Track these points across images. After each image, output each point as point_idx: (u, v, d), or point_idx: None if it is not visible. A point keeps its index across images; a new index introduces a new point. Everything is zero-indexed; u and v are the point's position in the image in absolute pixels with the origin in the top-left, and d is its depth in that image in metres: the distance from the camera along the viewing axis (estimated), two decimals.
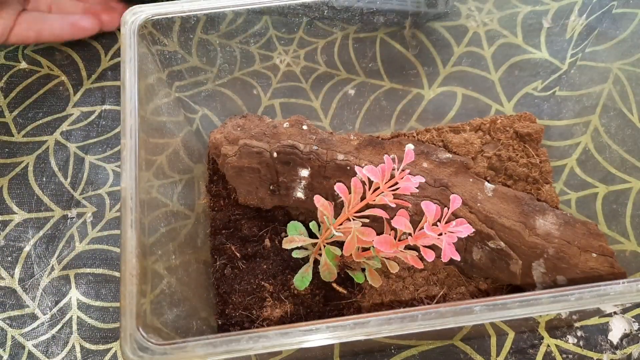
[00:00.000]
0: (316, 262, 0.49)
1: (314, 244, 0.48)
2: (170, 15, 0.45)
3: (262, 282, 0.52)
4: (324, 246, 0.47)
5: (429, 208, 0.40)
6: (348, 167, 0.51)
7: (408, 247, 0.42)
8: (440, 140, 0.59)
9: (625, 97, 0.53)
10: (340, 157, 0.51)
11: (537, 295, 0.34)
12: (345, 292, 0.51)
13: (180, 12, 0.45)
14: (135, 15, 0.44)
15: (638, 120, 0.52)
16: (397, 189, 0.42)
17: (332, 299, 0.52)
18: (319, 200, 0.45)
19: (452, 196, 0.41)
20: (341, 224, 0.44)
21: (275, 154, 0.51)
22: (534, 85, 0.61)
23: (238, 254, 0.53)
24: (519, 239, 0.47)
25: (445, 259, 0.39)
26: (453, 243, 0.39)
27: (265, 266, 0.52)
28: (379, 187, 0.42)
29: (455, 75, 0.61)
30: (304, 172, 0.52)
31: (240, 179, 0.54)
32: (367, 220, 0.43)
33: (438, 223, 0.40)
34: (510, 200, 0.50)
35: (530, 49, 0.60)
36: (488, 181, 0.52)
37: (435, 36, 0.62)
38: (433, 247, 0.40)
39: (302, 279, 0.48)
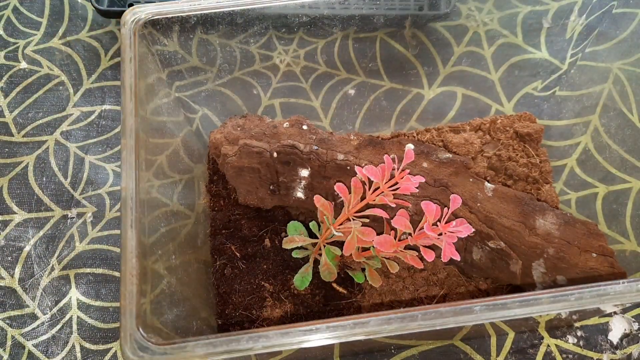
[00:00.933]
0: (316, 262, 0.49)
1: (314, 244, 0.48)
2: (170, 15, 0.45)
3: (262, 282, 0.52)
4: (324, 246, 0.47)
5: (429, 208, 0.40)
6: (348, 167, 0.51)
7: (408, 247, 0.42)
8: (440, 140, 0.59)
9: (625, 97, 0.53)
10: (340, 157, 0.51)
11: (537, 295, 0.34)
12: (345, 292, 0.51)
13: (180, 12, 0.45)
14: (135, 15, 0.44)
15: (638, 120, 0.52)
16: (397, 189, 0.41)
17: (332, 298, 0.52)
18: (319, 200, 0.45)
19: (452, 196, 0.41)
20: (341, 224, 0.44)
21: (275, 154, 0.51)
22: (534, 85, 0.61)
23: (238, 254, 0.53)
24: (519, 239, 0.47)
25: (445, 259, 0.39)
26: (453, 243, 0.39)
27: (265, 266, 0.52)
28: (379, 187, 0.42)
29: (455, 75, 0.61)
30: (304, 172, 0.52)
31: (240, 179, 0.54)
32: (367, 220, 0.43)
33: (438, 223, 0.40)
34: (510, 200, 0.50)
35: (530, 49, 0.60)
36: (488, 181, 0.52)
37: (435, 36, 0.62)
38: (433, 247, 0.40)
39: (302, 279, 0.48)
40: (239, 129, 0.55)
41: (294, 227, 0.49)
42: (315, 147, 0.51)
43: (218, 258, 0.53)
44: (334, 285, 0.51)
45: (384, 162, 0.42)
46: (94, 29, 0.68)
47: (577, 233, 0.47)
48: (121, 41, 0.43)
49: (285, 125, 0.54)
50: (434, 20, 0.62)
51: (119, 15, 0.66)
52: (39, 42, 0.67)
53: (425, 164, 0.52)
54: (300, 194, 0.53)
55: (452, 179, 0.51)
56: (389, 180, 0.42)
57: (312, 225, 0.48)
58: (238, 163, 0.52)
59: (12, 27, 0.68)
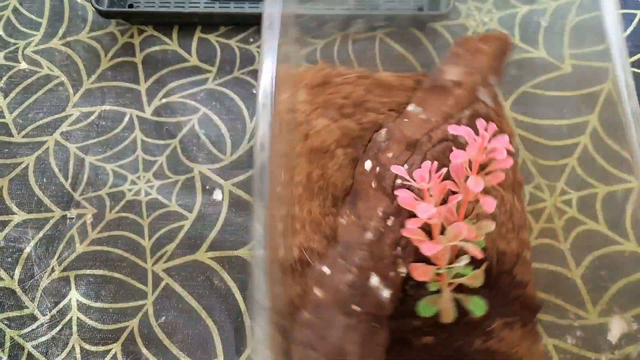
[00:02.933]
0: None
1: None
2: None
3: None
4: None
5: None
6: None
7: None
8: None
9: None
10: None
11: None
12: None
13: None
14: None
15: None
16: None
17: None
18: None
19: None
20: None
21: None
22: (532, 84, 0.61)
23: None
24: None
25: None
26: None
27: None
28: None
29: None
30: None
31: None
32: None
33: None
34: None
35: (528, 48, 0.60)
36: None
37: (435, 36, 0.62)
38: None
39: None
40: None
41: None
42: None
43: None
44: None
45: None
46: (94, 30, 0.68)
47: None
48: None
49: None
50: (434, 20, 0.62)
51: (119, 15, 0.66)
52: (38, 42, 0.67)
53: None
54: None
55: None
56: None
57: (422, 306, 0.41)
58: None
59: (12, 28, 0.68)
